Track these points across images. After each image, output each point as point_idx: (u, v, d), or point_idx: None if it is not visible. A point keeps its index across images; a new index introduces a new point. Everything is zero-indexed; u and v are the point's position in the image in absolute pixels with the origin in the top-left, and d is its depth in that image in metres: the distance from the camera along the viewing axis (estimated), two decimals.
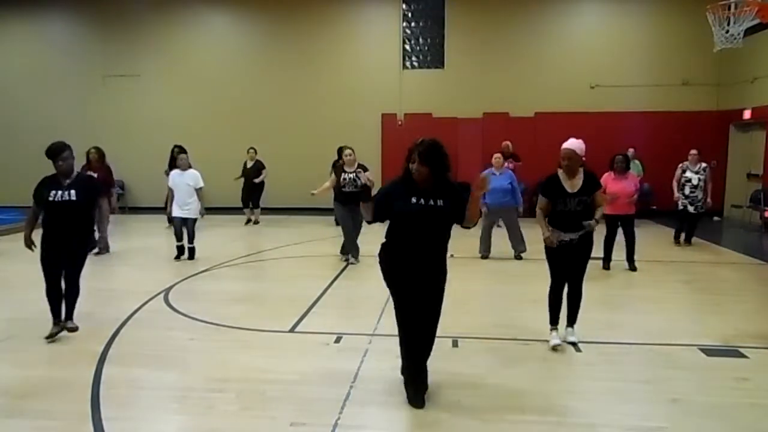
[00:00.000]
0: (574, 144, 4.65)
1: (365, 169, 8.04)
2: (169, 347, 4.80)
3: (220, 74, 14.42)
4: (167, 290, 6.62)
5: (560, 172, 4.72)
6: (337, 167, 8.24)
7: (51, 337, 4.91)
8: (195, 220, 8.37)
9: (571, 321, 4.88)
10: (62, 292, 4.97)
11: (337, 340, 4.92)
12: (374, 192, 3.73)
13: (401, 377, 3.88)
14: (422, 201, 3.53)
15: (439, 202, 3.54)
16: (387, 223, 3.71)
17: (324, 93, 14.21)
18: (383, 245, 3.72)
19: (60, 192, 4.84)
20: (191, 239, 8.41)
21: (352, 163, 8.01)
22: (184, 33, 14.61)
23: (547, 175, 4.81)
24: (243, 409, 3.71)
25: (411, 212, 3.53)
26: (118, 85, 14.64)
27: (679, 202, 9.23)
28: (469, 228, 3.73)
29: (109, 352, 4.69)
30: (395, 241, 3.65)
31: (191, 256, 8.41)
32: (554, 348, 4.69)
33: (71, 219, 4.86)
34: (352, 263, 8.03)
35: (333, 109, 14.13)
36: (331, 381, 4.08)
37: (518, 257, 8.37)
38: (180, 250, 8.42)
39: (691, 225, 9.34)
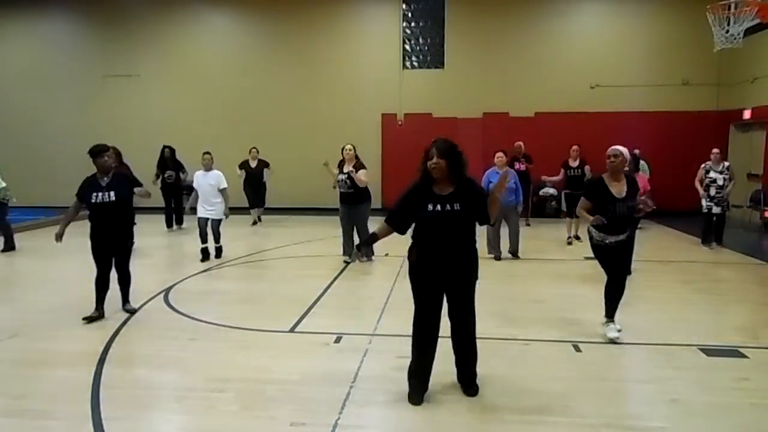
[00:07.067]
0: (621, 147, 4.79)
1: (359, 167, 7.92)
2: (169, 347, 4.80)
3: (220, 74, 14.44)
4: (167, 290, 6.63)
5: (605, 176, 4.81)
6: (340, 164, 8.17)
7: (87, 320, 5.44)
8: (219, 221, 8.35)
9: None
10: (108, 282, 5.61)
11: (337, 340, 4.92)
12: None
13: (406, 375, 3.89)
14: (438, 207, 3.58)
15: (456, 206, 3.57)
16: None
17: (324, 93, 14.23)
18: (411, 245, 3.77)
19: (101, 194, 5.38)
20: (217, 239, 8.43)
21: (351, 159, 7.91)
22: (184, 33, 14.62)
23: (591, 180, 4.98)
24: (243, 409, 3.71)
25: (427, 219, 3.61)
26: (118, 85, 14.67)
27: (704, 204, 9.16)
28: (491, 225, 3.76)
29: (109, 352, 4.69)
30: (418, 244, 3.71)
31: (218, 255, 8.44)
32: (612, 340, 4.82)
33: (113, 216, 5.44)
34: (346, 261, 8.04)
35: (333, 109, 14.15)
36: (331, 381, 4.08)
37: (517, 256, 8.40)
38: (204, 252, 8.34)
39: (719, 226, 9.29)
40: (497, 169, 8.33)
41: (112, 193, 5.39)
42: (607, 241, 4.80)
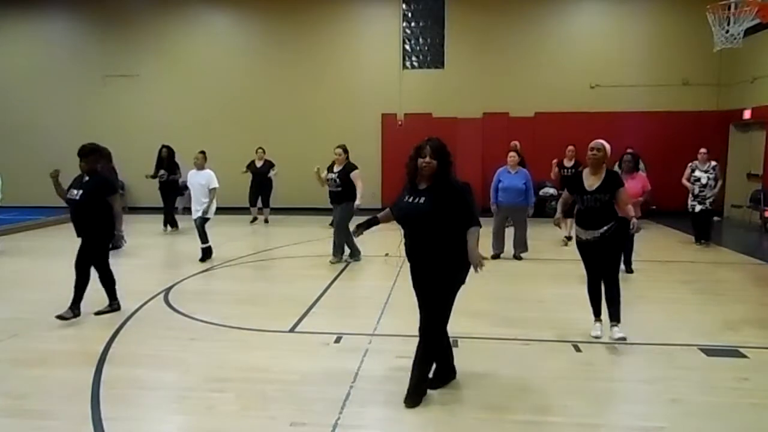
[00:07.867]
0: (603, 141, 4.89)
1: (352, 169, 7.93)
2: (169, 347, 4.80)
3: (220, 74, 14.43)
4: (167, 290, 6.62)
5: (586, 169, 4.92)
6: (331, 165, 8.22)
7: (59, 317, 5.32)
8: (205, 220, 8.18)
9: (613, 318, 4.87)
10: (84, 281, 5.50)
11: (337, 340, 4.92)
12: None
13: (408, 376, 3.84)
14: (411, 199, 3.68)
15: (421, 200, 3.61)
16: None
17: (324, 93, 14.23)
18: None
19: (74, 190, 5.44)
20: (204, 239, 8.19)
21: (341, 161, 7.96)
22: (183, 33, 14.62)
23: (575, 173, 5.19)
24: (243, 409, 3.71)
25: (399, 209, 3.76)
26: (117, 85, 14.66)
27: (689, 203, 9.24)
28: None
29: (109, 352, 4.69)
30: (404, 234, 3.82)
31: (204, 258, 8.17)
32: (595, 337, 4.93)
33: (77, 215, 5.45)
34: (332, 261, 8.05)
35: (333, 109, 14.15)
36: (331, 381, 4.08)
37: (518, 257, 8.38)
38: (204, 251, 8.27)
39: (704, 223, 9.34)
40: (509, 169, 8.27)
41: (80, 192, 5.38)
42: (582, 237, 4.88)
